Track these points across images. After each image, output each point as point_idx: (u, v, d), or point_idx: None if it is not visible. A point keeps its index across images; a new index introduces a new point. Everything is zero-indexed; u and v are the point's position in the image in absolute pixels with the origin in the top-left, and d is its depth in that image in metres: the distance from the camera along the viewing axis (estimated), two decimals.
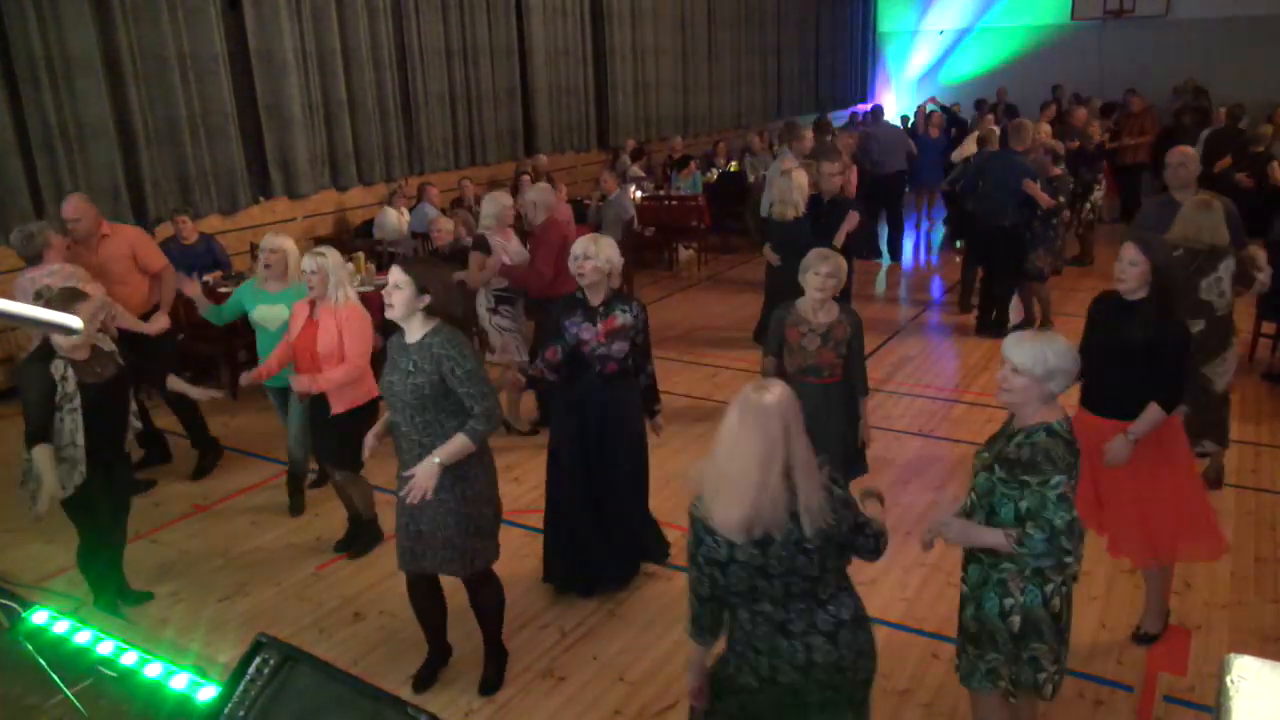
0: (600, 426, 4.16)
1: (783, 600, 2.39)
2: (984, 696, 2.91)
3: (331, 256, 4.40)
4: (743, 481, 2.28)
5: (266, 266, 4.89)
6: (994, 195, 7.72)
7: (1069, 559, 2.64)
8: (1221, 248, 4.67)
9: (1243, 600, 4.20)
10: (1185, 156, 5.41)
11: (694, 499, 2.42)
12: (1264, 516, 4.93)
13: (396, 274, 3.27)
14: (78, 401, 3.86)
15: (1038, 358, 2.65)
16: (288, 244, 4.98)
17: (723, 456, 2.32)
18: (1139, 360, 3.57)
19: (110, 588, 4.23)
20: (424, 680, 3.75)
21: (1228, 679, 1.38)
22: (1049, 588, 2.72)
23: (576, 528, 4.27)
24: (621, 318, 4.07)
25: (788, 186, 6.53)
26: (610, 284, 4.10)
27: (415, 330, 3.31)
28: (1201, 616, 4.09)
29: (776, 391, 2.32)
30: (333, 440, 4.56)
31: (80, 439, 3.87)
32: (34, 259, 5.15)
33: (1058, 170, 7.56)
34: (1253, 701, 1.33)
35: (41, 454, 3.78)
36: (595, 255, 4.00)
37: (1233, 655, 1.41)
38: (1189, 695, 3.59)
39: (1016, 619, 2.73)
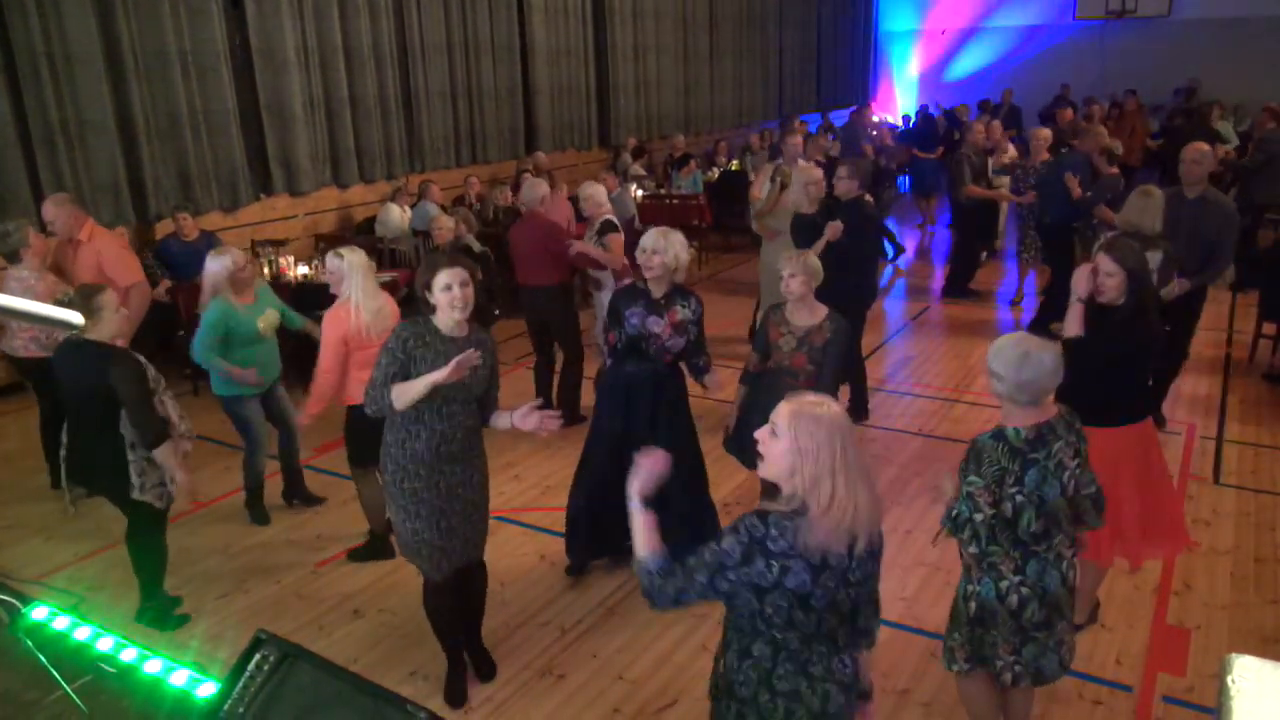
0: (651, 413, 4.22)
1: (811, 636, 2.21)
2: (962, 680, 3.03)
3: (349, 257, 4.36)
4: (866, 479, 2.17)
5: (241, 272, 4.78)
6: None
7: (969, 548, 2.85)
8: (1153, 238, 5.02)
9: (1242, 601, 4.20)
10: (1199, 154, 5.55)
11: (762, 514, 2.18)
12: (1263, 518, 4.93)
13: (463, 273, 3.28)
14: (163, 383, 3.93)
15: (995, 352, 2.78)
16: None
17: (843, 464, 2.12)
18: (1117, 365, 3.64)
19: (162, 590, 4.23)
20: (461, 695, 3.65)
21: (1229, 679, 1.37)
22: (1004, 584, 2.82)
23: (608, 507, 4.28)
24: (682, 312, 4.13)
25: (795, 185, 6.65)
26: (675, 279, 4.15)
27: (463, 324, 3.34)
28: (1201, 617, 4.09)
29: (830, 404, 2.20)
30: (347, 437, 4.53)
31: (184, 413, 3.99)
32: (11, 257, 5.14)
33: (1113, 170, 7.56)
34: (1254, 702, 1.33)
35: (167, 452, 3.83)
36: (664, 250, 4.06)
37: (1234, 655, 1.40)
38: (1188, 695, 3.59)
39: (974, 604, 2.89)
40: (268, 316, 4.85)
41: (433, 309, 3.33)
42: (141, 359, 3.93)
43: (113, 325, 3.86)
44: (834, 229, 5.69)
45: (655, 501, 4.30)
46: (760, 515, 2.19)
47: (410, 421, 3.32)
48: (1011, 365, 2.71)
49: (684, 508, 4.35)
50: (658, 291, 4.13)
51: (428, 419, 3.32)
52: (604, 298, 6.27)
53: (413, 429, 3.33)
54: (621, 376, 4.26)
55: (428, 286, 3.30)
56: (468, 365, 3.17)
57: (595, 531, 4.40)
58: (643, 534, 2.31)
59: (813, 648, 2.23)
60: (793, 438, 2.13)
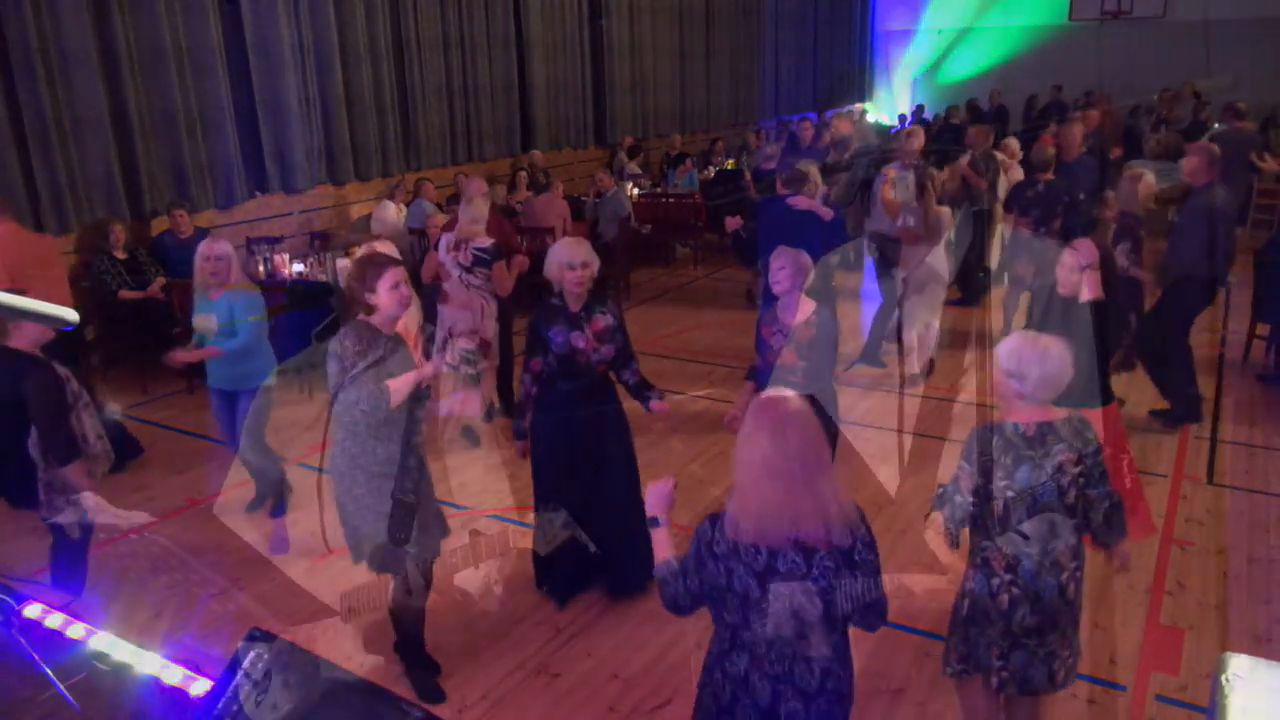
0: (595, 431, 4.09)
1: (771, 640, 2.20)
2: (959, 686, 3.01)
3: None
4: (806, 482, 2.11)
5: (214, 274, 4.61)
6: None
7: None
8: (1133, 218, 5.69)
9: (1235, 600, 4.21)
10: (1192, 149, 5.98)
11: (715, 516, 2.23)
12: (1257, 517, 4.94)
13: (405, 271, 3.32)
14: (87, 396, 3.75)
15: (1010, 353, 2.74)
16: (230, 248, 4.77)
17: (763, 458, 2.10)
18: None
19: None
20: (441, 692, 3.66)
21: (1224, 678, 1.38)
22: (994, 580, 2.78)
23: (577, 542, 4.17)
24: (603, 319, 3.99)
25: None
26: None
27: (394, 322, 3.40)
28: (1194, 616, 4.10)
29: (793, 398, 2.18)
30: None
31: (103, 432, 3.76)
32: None
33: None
34: (1249, 700, 1.33)
35: (74, 471, 3.59)
36: (593, 261, 3.95)
37: (1229, 654, 1.41)
38: (1181, 695, 3.60)
39: (966, 602, 2.88)
40: (201, 318, 4.73)
41: (370, 310, 3.25)
42: (62, 371, 3.70)
43: (32, 332, 3.64)
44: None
45: (608, 521, 4.20)
46: (712, 517, 2.24)
47: (380, 424, 3.22)
48: (1034, 363, 2.67)
49: (627, 521, 4.24)
50: (576, 305, 3.94)
51: (398, 418, 3.25)
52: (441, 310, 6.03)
53: (383, 431, 3.24)
54: (557, 396, 4.03)
55: (371, 288, 3.20)
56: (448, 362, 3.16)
57: (577, 562, 4.24)
58: (657, 547, 2.40)
59: (774, 648, 2.21)
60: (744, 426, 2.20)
